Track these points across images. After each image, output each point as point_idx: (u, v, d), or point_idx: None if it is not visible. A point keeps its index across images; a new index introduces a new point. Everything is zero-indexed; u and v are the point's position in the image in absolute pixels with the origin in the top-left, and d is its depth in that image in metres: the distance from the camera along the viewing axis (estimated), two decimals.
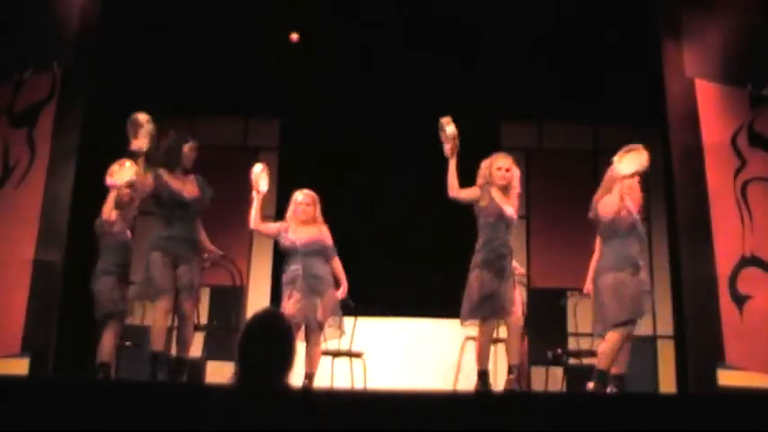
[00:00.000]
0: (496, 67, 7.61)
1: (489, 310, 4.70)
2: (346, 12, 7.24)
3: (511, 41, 7.42)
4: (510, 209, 4.86)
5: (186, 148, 5.13)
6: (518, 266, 5.18)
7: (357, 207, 7.59)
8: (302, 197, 5.36)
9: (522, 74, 7.63)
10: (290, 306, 5.07)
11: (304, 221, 5.30)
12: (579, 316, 6.66)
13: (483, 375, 4.72)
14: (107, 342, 5.26)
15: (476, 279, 4.73)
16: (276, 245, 5.58)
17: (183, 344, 5.08)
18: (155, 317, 5.00)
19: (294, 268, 5.18)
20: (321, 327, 5.11)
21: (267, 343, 2.49)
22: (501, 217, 4.81)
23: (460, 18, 7.36)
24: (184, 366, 5.06)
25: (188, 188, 5.10)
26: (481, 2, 7.21)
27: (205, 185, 5.25)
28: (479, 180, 4.91)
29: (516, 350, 4.78)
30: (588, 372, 4.89)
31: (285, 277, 5.24)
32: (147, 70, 7.58)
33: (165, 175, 5.02)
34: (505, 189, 4.89)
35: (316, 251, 5.23)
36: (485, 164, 4.95)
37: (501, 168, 4.89)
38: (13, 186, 6.62)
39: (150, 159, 4.99)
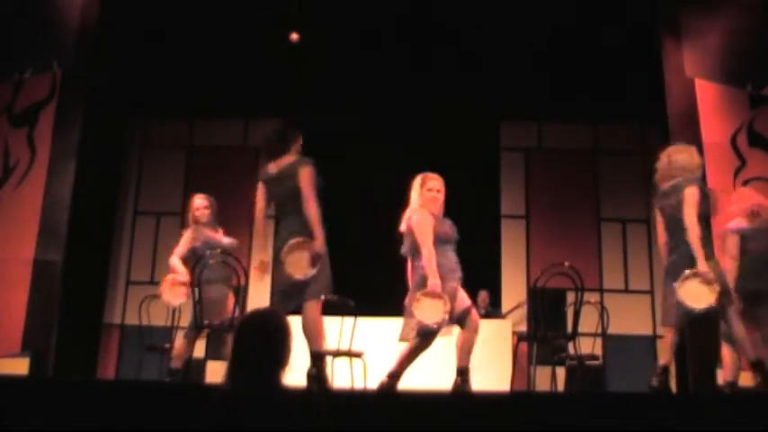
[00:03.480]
0: (496, 66, 7.61)
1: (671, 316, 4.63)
2: (346, 12, 7.24)
3: (510, 41, 7.42)
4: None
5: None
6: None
7: (358, 206, 7.59)
8: (436, 183, 4.90)
9: (522, 74, 7.63)
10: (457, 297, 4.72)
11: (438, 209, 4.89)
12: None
13: (664, 371, 4.68)
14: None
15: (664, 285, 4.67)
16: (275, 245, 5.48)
17: None
18: None
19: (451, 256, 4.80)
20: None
21: (258, 341, 2.45)
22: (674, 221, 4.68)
23: (460, 18, 7.36)
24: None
25: None
26: (481, 2, 7.21)
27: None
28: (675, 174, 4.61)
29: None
30: (590, 372, 4.87)
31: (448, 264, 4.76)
32: (148, 70, 7.59)
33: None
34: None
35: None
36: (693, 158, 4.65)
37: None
38: (13, 186, 6.63)
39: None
